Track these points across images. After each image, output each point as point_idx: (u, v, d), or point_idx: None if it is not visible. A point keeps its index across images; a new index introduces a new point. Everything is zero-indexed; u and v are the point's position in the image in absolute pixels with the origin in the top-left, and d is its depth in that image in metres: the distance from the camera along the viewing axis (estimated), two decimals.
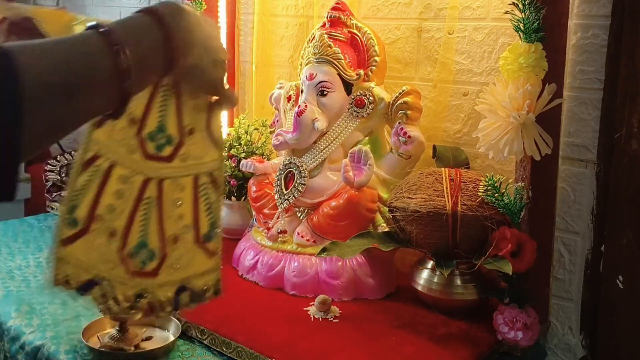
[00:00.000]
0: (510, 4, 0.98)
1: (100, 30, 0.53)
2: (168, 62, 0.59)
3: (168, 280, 0.72)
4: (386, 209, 1.11)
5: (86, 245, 0.67)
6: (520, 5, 0.97)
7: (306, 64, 1.22)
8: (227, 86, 0.70)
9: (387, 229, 1.13)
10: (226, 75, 0.69)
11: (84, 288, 0.68)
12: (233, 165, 1.39)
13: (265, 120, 1.42)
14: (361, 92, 1.19)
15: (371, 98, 1.18)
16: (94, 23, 0.53)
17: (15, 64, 0.46)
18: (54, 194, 1.67)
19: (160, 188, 0.71)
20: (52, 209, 1.67)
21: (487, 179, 1.00)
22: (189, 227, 0.73)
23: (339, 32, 1.20)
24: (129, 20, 0.57)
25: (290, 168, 1.19)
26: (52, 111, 0.49)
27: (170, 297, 0.72)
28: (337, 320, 1.04)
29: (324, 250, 1.07)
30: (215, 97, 0.70)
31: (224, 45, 1.50)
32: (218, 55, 0.66)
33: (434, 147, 1.19)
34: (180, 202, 0.72)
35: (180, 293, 0.73)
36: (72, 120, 0.52)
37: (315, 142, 1.19)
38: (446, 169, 1.10)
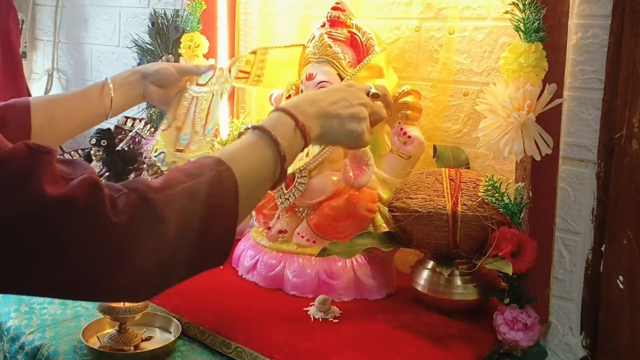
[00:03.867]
0: (511, 4, 0.98)
1: (262, 130, 0.74)
2: (305, 142, 0.78)
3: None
4: (386, 209, 1.11)
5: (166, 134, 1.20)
6: (521, 5, 0.97)
7: (306, 64, 1.22)
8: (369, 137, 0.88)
9: (387, 229, 1.13)
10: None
11: (157, 155, 1.18)
12: None
13: None
14: None
15: None
16: (252, 125, 0.75)
17: (234, 173, 0.67)
18: None
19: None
20: None
21: (487, 179, 1.00)
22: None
23: (339, 32, 1.20)
24: (270, 118, 0.77)
25: None
26: (253, 199, 0.73)
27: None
28: (337, 320, 1.04)
29: (324, 250, 1.07)
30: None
31: (225, 46, 1.51)
32: (347, 116, 0.83)
33: (434, 147, 1.19)
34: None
35: None
36: (260, 197, 0.76)
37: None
38: (446, 169, 1.10)
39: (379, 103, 0.94)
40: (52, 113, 0.99)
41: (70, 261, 0.56)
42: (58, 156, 0.59)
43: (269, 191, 0.77)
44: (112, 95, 1.08)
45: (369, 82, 1.16)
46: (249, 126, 0.75)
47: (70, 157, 0.61)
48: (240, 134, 0.76)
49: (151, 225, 0.59)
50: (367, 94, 0.91)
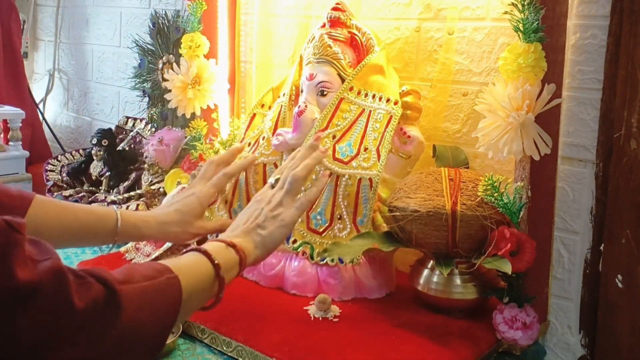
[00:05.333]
0: (510, 5, 0.98)
1: (199, 250, 0.80)
2: (240, 256, 0.85)
3: (327, 240, 1.12)
4: (386, 208, 1.11)
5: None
6: (520, 6, 0.97)
7: (306, 64, 1.22)
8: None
9: (387, 229, 1.14)
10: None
11: None
12: None
13: None
14: None
15: None
16: (196, 248, 0.81)
17: (182, 286, 0.72)
18: (55, 193, 1.67)
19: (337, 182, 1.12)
20: None
21: (486, 179, 1.01)
22: (350, 212, 1.11)
23: (339, 32, 1.21)
24: (208, 244, 0.84)
25: None
26: (191, 309, 0.76)
27: (320, 251, 1.11)
28: (337, 319, 1.04)
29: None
30: None
31: (225, 46, 1.51)
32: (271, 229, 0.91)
33: (434, 147, 1.20)
34: (348, 193, 1.11)
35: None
36: (197, 307, 0.79)
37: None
38: (445, 169, 1.10)
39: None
40: (42, 216, 0.91)
41: (27, 343, 0.57)
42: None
43: (207, 302, 0.81)
44: (117, 238, 0.99)
45: (370, 78, 1.17)
46: (191, 248, 0.82)
47: (35, 238, 0.62)
48: (184, 252, 0.83)
49: (111, 314, 0.63)
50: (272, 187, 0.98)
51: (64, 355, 0.60)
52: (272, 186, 0.97)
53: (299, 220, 1.09)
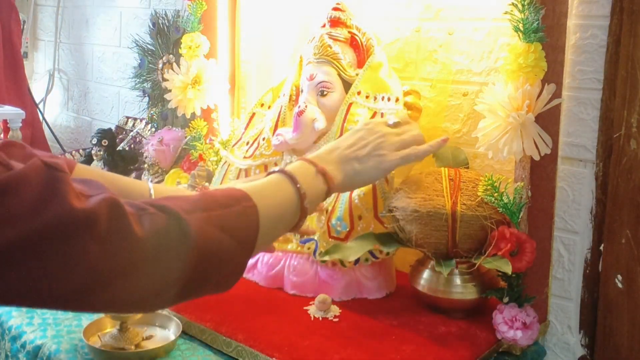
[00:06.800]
0: (510, 4, 0.98)
1: (286, 174, 0.76)
2: (328, 186, 0.81)
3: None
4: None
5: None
6: (520, 6, 0.97)
7: (306, 64, 1.22)
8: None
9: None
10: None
11: (305, 241, 1.12)
12: None
13: None
14: None
15: None
16: (283, 170, 0.77)
17: (257, 207, 0.69)
18: None
19: None
20: None
21: (486, 179, 1.01)
22: (370, 209, 1.11)
23: (339, 32, 1.21)
24: (294, 165, 0.80)
25: None
26: (270, 237, 0.73)
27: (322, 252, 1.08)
28: (337, 319, 1.04)
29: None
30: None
31: (225, 46, 1.51)
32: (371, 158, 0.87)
33: None
34: (363, 193, 1.10)
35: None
36: (277, 236, 0.77)
37: (315, 142, 1.19)
38: (445, 169, 1.10)
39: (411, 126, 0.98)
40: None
41: (91, 273, 0.56)
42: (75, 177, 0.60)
43: (289, 232, 0.78)
44: None
45: (376, 80, 1.17)
46: (274, 169, 0.78)
47: (86, 179, 0.61)
48: (267, 174, 0.78)
49: (178, 243, 0.61)
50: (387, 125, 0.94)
51: (135, 284, 0.58)
52: (389, 125, 0.92)
53: (321, 230, 1.09)
